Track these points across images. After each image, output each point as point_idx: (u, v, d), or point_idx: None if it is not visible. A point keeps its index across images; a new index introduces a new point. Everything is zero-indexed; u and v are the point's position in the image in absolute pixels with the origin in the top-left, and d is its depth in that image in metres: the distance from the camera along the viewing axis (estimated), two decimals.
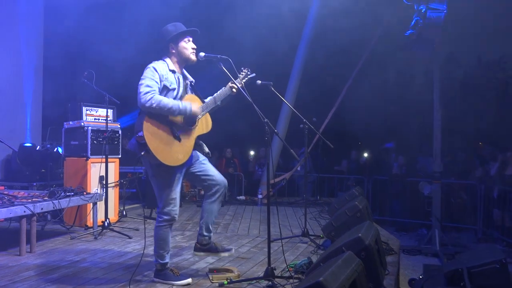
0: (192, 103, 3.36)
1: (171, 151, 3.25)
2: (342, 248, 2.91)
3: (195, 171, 3.51)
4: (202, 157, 3.56)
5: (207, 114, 3.56)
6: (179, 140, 3.31)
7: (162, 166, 3.23)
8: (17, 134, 7.36)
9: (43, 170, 6.40)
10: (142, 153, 3.19)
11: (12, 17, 7.55)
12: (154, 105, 3.14)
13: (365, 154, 11.56)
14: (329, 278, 2.16)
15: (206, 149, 3.61)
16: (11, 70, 7.44)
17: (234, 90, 3.55)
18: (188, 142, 3.38)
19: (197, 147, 3.53)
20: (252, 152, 11.94)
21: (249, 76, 3.68)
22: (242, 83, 3.59)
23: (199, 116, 3.42)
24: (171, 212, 3.36)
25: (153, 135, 3.19)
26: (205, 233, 3.58)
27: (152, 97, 3.15)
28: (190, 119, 3.41)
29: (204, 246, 3.60)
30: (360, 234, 2.98)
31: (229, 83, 3.56)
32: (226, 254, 3.68)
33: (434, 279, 3.37)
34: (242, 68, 3.67)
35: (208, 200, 3.55)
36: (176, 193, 3.37)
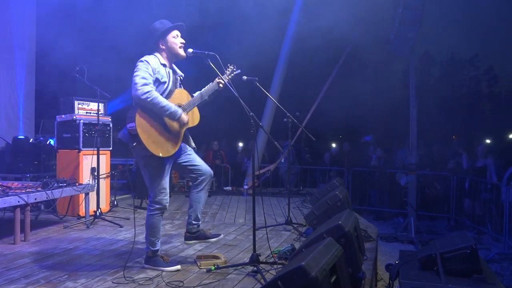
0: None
1: (161, 143, 3.37)
2: (323, 235, 2.96)
3: (183, 162, 3.63)
4: (189, 149, 3.69)
5: (195, 108, 3.65)
6: (169, 132, 3.43)
7: (152, 157, 3.34)
8: (10, 127, 7.37)
9: (36, 162, 6.42)
10: (134, 144, 3.29)
11: (5, 14, 7.46)
12: (149, 99, 3.23)
13: (340, 147, 11.72)
14: (311, 262, 2.20)
15: (193, 144, 3.75)
16: (4, 64, 7.41)
17: (221, 85, 3.67)
18: (177, 135, 3.50)
19: (184, 139, 3.65)
20: (241, 144, 12.02)
21: (235, 73, 3.82)
22: (228, 79, 3.72)
23: (185, 120, 3.48)
24: (163, 201, 3.49)
25: (144, 127, 3.30)
26: (194, 222, 3.71)
27: (149, 91, 3.24)
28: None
29: (194, 234, 3.73)
30: (340, 222, 3.01)
31: (216, 79, 3.67)
32: (215, 239, 3.83)
33: (410, 264, 3.43)
34: (228, 65, 3.78)
35: (195, 190, 3.68)
36: (166, 182, 3.50)
